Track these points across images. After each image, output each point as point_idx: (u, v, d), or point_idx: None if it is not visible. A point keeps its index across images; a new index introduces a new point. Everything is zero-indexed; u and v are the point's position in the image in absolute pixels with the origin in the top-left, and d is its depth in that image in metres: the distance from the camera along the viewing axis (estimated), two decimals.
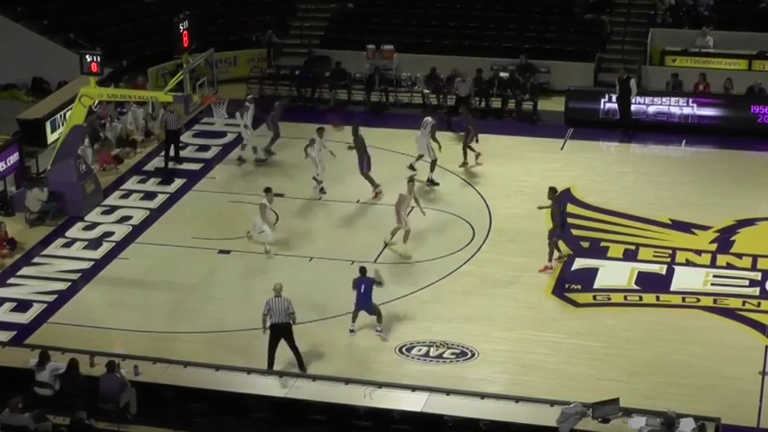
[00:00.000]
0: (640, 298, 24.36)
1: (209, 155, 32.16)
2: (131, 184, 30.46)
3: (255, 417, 19.93)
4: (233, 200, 29.42)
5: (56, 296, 24.91)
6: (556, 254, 25.45)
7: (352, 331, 23.00)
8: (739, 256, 25.82)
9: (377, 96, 35.45)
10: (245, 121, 31.16)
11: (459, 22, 37.77)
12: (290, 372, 21.07)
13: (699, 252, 26.01)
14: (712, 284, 24.74)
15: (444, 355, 22.27)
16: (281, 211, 27.86)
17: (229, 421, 19.80)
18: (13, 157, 29.30)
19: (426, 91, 34.97)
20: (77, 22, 36.97)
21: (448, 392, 19.99)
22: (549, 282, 24.92)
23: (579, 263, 25.68)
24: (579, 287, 24.72)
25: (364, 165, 28.75)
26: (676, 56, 35.47)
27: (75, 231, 27.83)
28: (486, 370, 21.84)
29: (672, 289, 24.63)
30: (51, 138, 30.25)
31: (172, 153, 31.44)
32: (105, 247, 27.06)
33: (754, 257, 25.65)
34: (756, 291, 24.43)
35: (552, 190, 25.66)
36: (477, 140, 30.61)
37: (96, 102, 29.44)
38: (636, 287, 24.73)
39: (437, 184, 29.41)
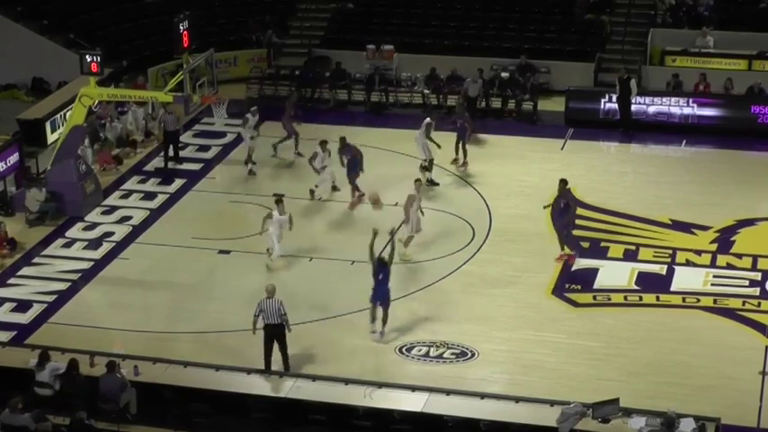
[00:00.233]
0: (640, 298, 24.36)
1: (209, 155, 32.16)
2: (131, 184, 30.47)
3: (255, 417, 19.93)
4: (233, 200, 29.42)
5: (56, 296, 24.91)
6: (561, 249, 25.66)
7: (375, 332, 22.72)
8: (739, 256, 25.82)
9: (377, 96, 35.45)
10: (248, 132, 30.67)
11: (459, 22, 37.77)
12: (290, 372, 21.05)
13: (699, 252, 26.01)
14: (712, 284, 24.74)
15: (444, 355, 22.27)
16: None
17: (229, 421, 19.80)
18: (13, 158, 29.31)
19: (426, 91, 34.96)
20: (77, 22, 36.97)
21: (448, 392, 19.99)
22: (549, 282, 24.92)
23: (579, 263, 25.67)
24: (579, 287, 24.72)
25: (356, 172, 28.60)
26: (676, 56, 35.47)
27: (75, 231, 27.84)
28: (486, 370, 21.84)
29: (672, 289, 24.63)
30: (51, 138, 30.24)
31: (171, 154, 31.42)
32: (105, 247, 27.06)
33: (754, 257, 25.65)
34: (756, 291, 24.43)
35: (563, 182, 25.75)
36: (470, 136, 30.55)
37: (96, 102, 29.44)
38: (636, 287, 24.73)
39: (437, 184, 29.41)
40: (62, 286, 25.34)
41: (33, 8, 36.88)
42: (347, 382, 20.25)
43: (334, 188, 29.04)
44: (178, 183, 30.39)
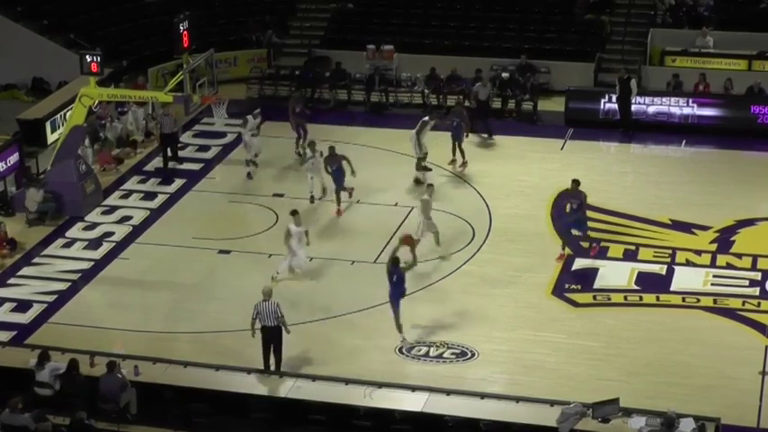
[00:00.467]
0: (640, 298, 24.36)
1: (209, 155, 32.16)
2: (131, 184, 30.47)
3: (255, 417, 19.93)
4: (233, 200, 29.43)
5: (56, 296, 24.92)
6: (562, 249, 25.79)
7: (404, 340, 22.52)
8: (739, 256, 25.82)
9: (377, 96, 35.45)
10: (248, 134, 30.44)
11: (459, 22, 37.76)
12: (290, 372, 21.06)
13: (699, 252, 26.01)
14: (712, 284, 24.74)
15: (444, 355, 22.26)
16: (282, 211, 27.86)
17: (229, 421, 19.80)
18: (13, 158, 29.30)
19: (426, 91, 34.95)
20: (77, 22, 36.97)
21: (448, 392, 19.98)
22: (549, 282, 24.92)
23: (579, 263, 25.69)
24: (579, 287, 24.72)
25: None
26: (676, 56, 35.46)
27: (75, 231, 27.84)
28: (486, 370, 21.84)
29: (672, 289, 24.63)
30: (51, 138, 30.23)
31: (169, 155, 31.34)
32: (105, 247, 27.06)
33: (754, 257, 25.65)
34: (756, 291, 24.43)
35: (576, 182, 25.87)
36: (467, 135, 30.55)
37: (96, 102, 29.43)
38: (636, 287, 24.73)
39: (421, 183, 29.37)
40: (62, 286, 25.34)
41: (33, 8, 36.88)
42: (347, 382, 20.25)
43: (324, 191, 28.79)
44: (178, 183, 30.39)
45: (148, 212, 28.77)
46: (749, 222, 27.37)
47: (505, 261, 25.83)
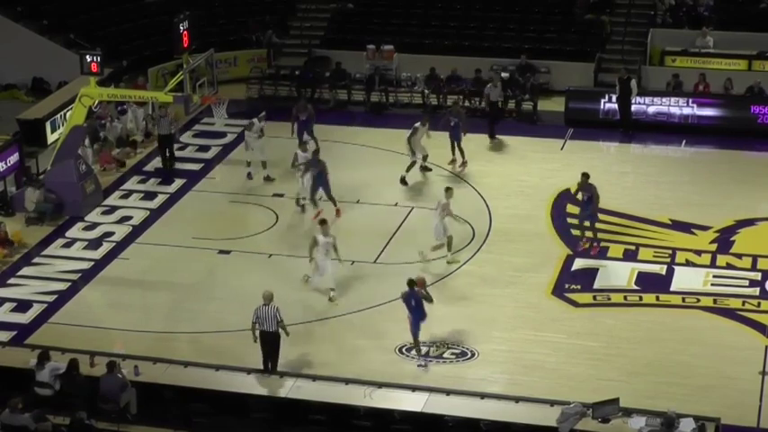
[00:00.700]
0: (640, 298, 24.36)
1: (209, 155, 32.15)
2: (131, 184, 30.46)
3: (255, 417, 19.93)
4: (233, 200, 29.42)
5: (56, 296, 24.92)
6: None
7: (422, 366, 22.06)
8: (739, 256, 25.82)
9: (377, 96, 35.44)
10: (252, 136, 30.13)
11: (459, 22, 37.76)
12: (290, 372, 21.06)
13: (699, 252, 26.01)
14: (712, 285, 24.74)
15: (444, 355, 22.26)
16: (282, 211, 27.86)
17: (229, 421, 19.80)
18: (13, 158, 29.30)
19: (426, 91, 34.95)
20: (77, 22, 36.97)
21: (448, 392, 20.00)
22: (549, 282, 24.92)
23: (579, 263, 25.69)
24: (579, 287, 24.73)
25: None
26: (676, 56, 35.46)
27: (75, 231, 27.84)
28: (486, 370, 21.84)
29: (672, 289, 24.63)
30: (51, 138, 30.24)
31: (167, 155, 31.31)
32: (105, 247, 27.06)
33: (754, 257, 25.65)
34: (756, 291, 24.43)
35: (585, 175, 25.99)
36: (464, 134, 30.54)
37: (96, 102, 29.43)
38: (636, 287, 24.73)
39: (406, 183, 29.38)
40: (62, 286, 25.34)
41: (33, 8, 36.88)
42: (347, 382, 20.26)
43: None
44: (178, 183, 30.38)
45: (148, 212, 28.77)
46: (749, 222, 27.37)
47: (505, 261, 25.83)
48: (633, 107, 32.93)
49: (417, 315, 22.05)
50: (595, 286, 24.80)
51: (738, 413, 20.13)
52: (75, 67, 28.08)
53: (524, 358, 22.19)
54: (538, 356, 22.19)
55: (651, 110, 33.23)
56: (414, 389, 20.13)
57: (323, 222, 24.45)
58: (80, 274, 25.84)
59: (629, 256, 25.99)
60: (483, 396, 19.86)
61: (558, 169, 30.43)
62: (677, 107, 33.05)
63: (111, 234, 27.63)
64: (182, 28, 27.79)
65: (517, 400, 19.68)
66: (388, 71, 36.01)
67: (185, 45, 27.97)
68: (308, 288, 24.42)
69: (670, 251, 26.06)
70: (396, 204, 28.70)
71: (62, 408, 19.50)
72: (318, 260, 24.03)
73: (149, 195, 29.72)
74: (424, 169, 29.81)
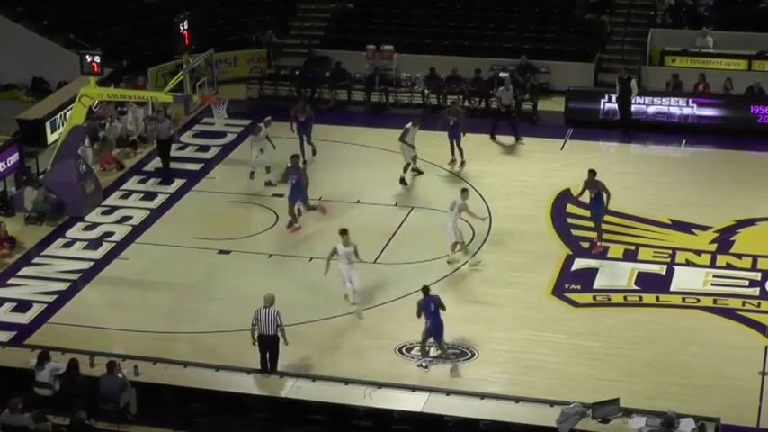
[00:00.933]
0: (640, 298, 24.36)
1: (209, 155, 32.15)
2: (131, 184, 30.46)
3: (255, 417, 19.93)
4: (233, 200, 29.42)
5: (56, 296, 24.92)
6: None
7: (423, 366, 21.80)
8: (739, 256, 25.82)
9: (377, 96, 35.44)
10: (258, 143, 29.81)
11: (459, 22, 37.76)
12: (290, 372, 21.05)
13: (699, 252, 26.01)
14: (712, 285, 24.74)
15: (444, 356, 22.20)
16: (282, 211, 27.84)
17: (229, 421, 19.80)
18: (13, 158, 29.31)
19: (427, 91, 34.94)
20: (77, 22, 36.97)
21: (448, 392, 20.00)
22: (549, 282, 24.92)
23: (579, 263, 25.69)
24: (579, 287, 24.72)
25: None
26: (676, 56, 35.46)
27: (75, 231, 27.84)
28: (486, 370, 21.84)
29: (672, 289, 24.63)
30: (51, 138, 30.24)
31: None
32: (105, 247, 27.07)
33: (754, 257, 25.65)
34: (756, 291, 24.43)
35: (592, 172, 26.10)
36: (464, 134, 30.53)
37: (96, 102, 29.43)
38: (636, 287, 24.73)
39: (406, 184, 29.38)
40: (62, 286, 25.34)
41: (33, 8, 36.88)
42: (347, 382, 20.25)
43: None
44: (178, 183, 30.38)
45: (148, 212, 28.77)
46: (749, 222, 27.37)
47: (505, 261, 25.83)
48: (633, 107, 32.93)
49: (436, 322, 21.72)
50: (595, 286, 24.80)
51: (738, 413, 20.13)
52: (75, 67, 28.09)
53: (524, 358, 22.19)
54: (538, 356, 22.19)
55: (651, 110, 33.23)
56: (414, 389, 20.13)
57: (344, 232, 23.79)
58: (80, 274, 25.84)
59: (629, 256, 25.99)
60: (483, 396, 19.86)
61: (558, 169, 30.44)
62: (677, 107, 33.06)
63: (111, 234, 27.64)
64: (182, 28, 27.80)
65: (517, 400, 19.68)
66: (388, 71, 36.02)
67: (185, 45, 27.97)
68: (348, 302, 23.92)
69: (670, 251, 26.06)
70: (396, 204, 28.71)
71: (62, 408, 19.49)
72: (342, 270, 23.61)
73: (149, 195, 29.72)
74: (416, 171, 29.73)
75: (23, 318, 24.07)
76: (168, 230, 27.87)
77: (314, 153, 30.88)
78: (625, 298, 24.40)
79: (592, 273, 25.29)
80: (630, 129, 32.90)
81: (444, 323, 21.87)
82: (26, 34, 35.95)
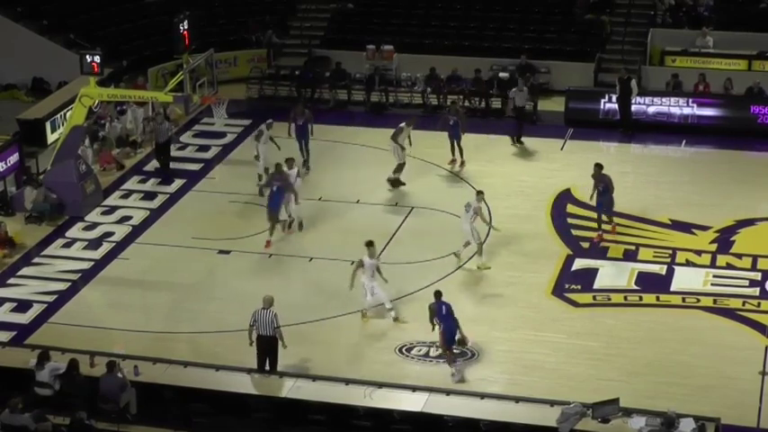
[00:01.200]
0: (640, 298, 24.36)
1: (209, 155, 32.15)
2: (131, 184, 30.47)
3: (255, 417, 19.93)
4: (233, 200, 29.41)
5: (56, 296, 24.92)
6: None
7: (454, 374, 21.43)
8: (739, 256, 25.82)
9: (377, 96, 35.45)
10: (261, 146, 29.65)
11: (459, 23, 37.77)
12: (290, 372, 21.05)
13: (699, 252, 26.01)
14: (712, 285, 24.74)
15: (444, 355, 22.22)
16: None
17: (229, 421, 19.80)
18: (13, 158, 29.31)
19: (429, 89, 34.91)
20: (77, 22, 36.98)
21: (448, 392, 20.01)
22: (549, 282, 24.93)
23: (579, 263, 25.69)
24: (579, 287, 24.73)
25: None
26: (676, 56, 35.47)
27: (75, 231, 27.85)
28: (487, 370, 21.84)
29: (672, 289, 24.63)
30: (51, 138, 30.24)
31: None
32: (105, 247, 27.07)
33: (754, 257, 25.65)
34: (756, 291, 24.43)
35: (598, 166, 26.36)
36: (464, 133, 30.50)
37: (96, 102, 29.43)
38: (636, 287, 24.73)
39: (404, 184, 29.23)
40: (62, 286, 25.35)
41: (33, 8, 36.89)
42: (347, 382, 20.25)
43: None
44: (178, 183, 30.39)
45: (148, 212, 28.77)
46: (749, 222, 27.37)
47: (505, 261, 25.83)
48: (633, 107, 32.94)
49: (450, 324, 21.64)
50: (595, 286, 24.80)
51: (738, 413, 20.13)
52: (75, 67, 28.10)
53: (524, 358, 22.19)
54: (538, 356, 22.19)
55: (651, 110, 33.24)
56: (414, 389, 20.12)
57: (370, 244, 23.48)
58: (80, 274, 25.85)
59: (629, 256, 25.99)
60: (483, 396, 19.86)
61: (558, 169, 30.45)
62: (677, 107, 33.06)
63: (111, 234, 27.64)
64: (182, 28, 27.82)
65: (517, 400, 19.68)
66: (388, 71, 36.03)
67: (185, 45, 27.96)
68: (370, 314, 23.69)
69: (670, 251, 26.06)
70: (396, 204, 28.71)
71: (62, 408, 19.49)
72: (365, 282, 23.38)
73: (149, 195, 29.72)
74: (395, 183, 29.20)
75: (23, 318, 24.08)
76: (168, 230, 27.87)
77: (306, 165, 30.30)
78: (625, 298, 24.40)
79: (592, 273, 25.29)
80: (630, 129, 32.90)
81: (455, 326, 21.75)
82: (26, 34, 35.96)
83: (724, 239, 26.54)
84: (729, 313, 23.67)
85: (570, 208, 28.12)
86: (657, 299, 24.31)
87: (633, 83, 32.73)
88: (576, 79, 34.92)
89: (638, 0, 37.48)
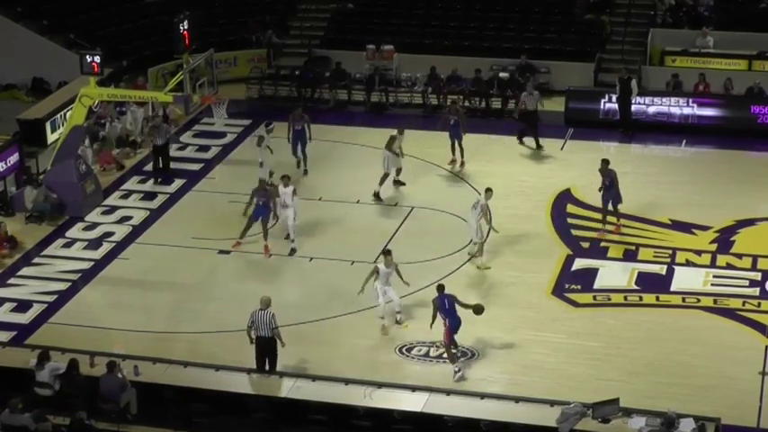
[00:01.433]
0: (640, 298, 24.36)
1: (209, 155, 32.15)
2: (131, 184, 30.46)
3: (255, 417, 19.93)
4: (233, 200, 29.36)
5: (56, 296, 24.92)
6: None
7: (457, 371, 21.42)
8: (739, 256, 25.82)
9: (377, 96, 35.44)
10: (264, 152, 29.45)
11: (459, 22, 37.77)
12: (290, 372, 21.05)
13: (699, 252, 26.01)
14: (712, 285, 24.74)
15: (444, 355, 22.22)
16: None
17: (229, 421, 19.80)
18: (13, 158, 29.30)
19: (429, 88, 34.89)
20: (77, 22, 36.98)
21: (448, 392, 20.01)
22: (549, 282, 24.93)
23: (579, 263, 25.69)
24: (579, 287, 24.73)
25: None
26: (676, 56, 35.47)
27: (75, 231, 27.84)
28: (486, 370, 21.83)
29: (672, 289, 24.63)
30: (51, 138, 30.24)
31: (160, 165, 30.96)
32: (105, 247, 27.07)
33: (754, 257, 25.65)
34: (756, 291, 24.43)
35: (605, 162, 26.54)
36: (464, 133, 30.47)
37: (96, 102, 29.43)
38: (636, 287, 24.73)
39: (403, 184, 29.12)
40: (62, 286, 25.34)
41: (33, 8, 36.89)
42: (347, 382, 20.25)
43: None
44: (178, 183, 30.38)
45: (148, 212, 28.77)
46: (749, 222, 27.37)
47: (505, 261, 25.82)
48: (633, 107, 32.93)
49: (453, 320, 21.63)
50: (595, 286, 24.80)
51: (738, 413, 20.13)
52: (75, 67, 28.09)
53: (524, 358, 22.19)
54: (538, 356, 22.19)
55: (651, 110, 33.24)
56: (414, 389, 20.12)
57: (387, 253, 23.43)
58: (80, 274, 25.84)
59: (629, 256, 26.00)
60: (483, 396, 19.87)
61: (557, 169, 30.45)
62: (677, 107, 33.06)
63: (111, 234, 27.64)
64: (182, 28, 27.80)
65: (517, 400, 19.68)
66: (388, 71, 36.02)
67: (185, 45, 27.96)
68: (387, 321, 23.48)
69: (670, 251, 26.06)
70: (396, 204, 28.70)
71: (62, 408, 19.50)
72: (378, 288, 23.22)
73: (149, 195, 29.72)
74: (376, 196, 28.81)
75: (23, 318, 24.08)
76: (168, 230, 27.87)
77: (304, 168, 30.29)
78: (625, 298, 24.40)
79: (592, 273, 25.29)
80: (631, 129, 32.90)
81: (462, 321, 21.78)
82: (26, 34, 35.96)
83: (724, 239, 26.54)
84: (729, 313, 23.67)
85: (570, 208, 28.12)
86: (657, 299, 24.31)
87: (633, 83, 32.72)
88: (576, 79, 34.92)
89: (638, 0, 37.47)
